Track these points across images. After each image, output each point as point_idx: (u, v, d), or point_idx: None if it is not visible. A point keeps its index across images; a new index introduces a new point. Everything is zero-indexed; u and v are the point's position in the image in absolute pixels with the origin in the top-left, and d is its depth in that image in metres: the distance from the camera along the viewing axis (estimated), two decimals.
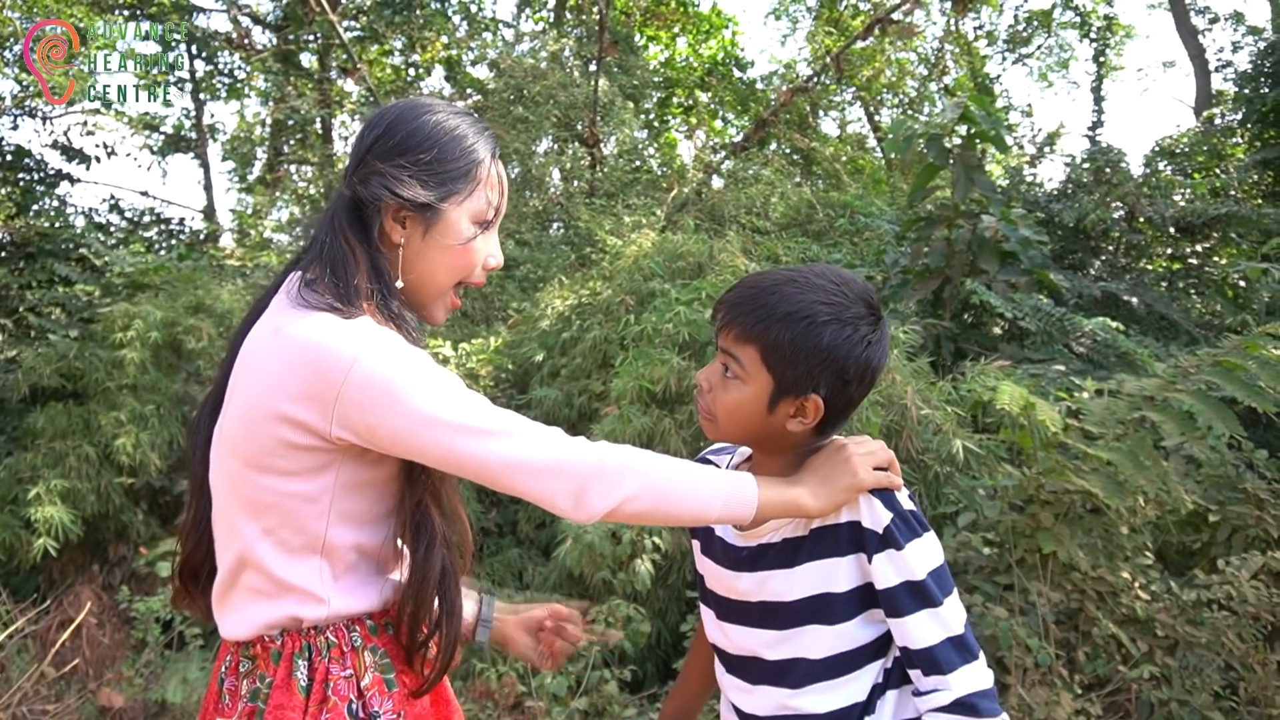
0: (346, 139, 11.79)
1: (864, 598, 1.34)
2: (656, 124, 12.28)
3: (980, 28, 13.57)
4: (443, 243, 1.29)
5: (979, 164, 5.47)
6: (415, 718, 1.31)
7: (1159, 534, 3.44)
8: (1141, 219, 6.50)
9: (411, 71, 12.14)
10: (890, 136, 7.28)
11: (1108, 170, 6.77)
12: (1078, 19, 13.44)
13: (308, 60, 11.69)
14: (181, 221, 10.60)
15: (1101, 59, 12.58)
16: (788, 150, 10.73)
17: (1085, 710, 2.90)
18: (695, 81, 12.55)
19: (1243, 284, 6.05)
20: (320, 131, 11.82)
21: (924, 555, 1.29)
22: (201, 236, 10.59)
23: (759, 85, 12.49)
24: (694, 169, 9.63)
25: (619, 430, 4.62)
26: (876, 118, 12.49)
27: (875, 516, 1.31)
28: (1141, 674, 2.90)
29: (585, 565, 3.68)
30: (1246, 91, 8.74)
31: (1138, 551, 3.22)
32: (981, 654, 1.30)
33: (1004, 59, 13.90)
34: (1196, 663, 2.95)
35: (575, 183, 9.47)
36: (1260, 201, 7.49)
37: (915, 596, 1.28)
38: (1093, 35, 12.98)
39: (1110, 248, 6.72)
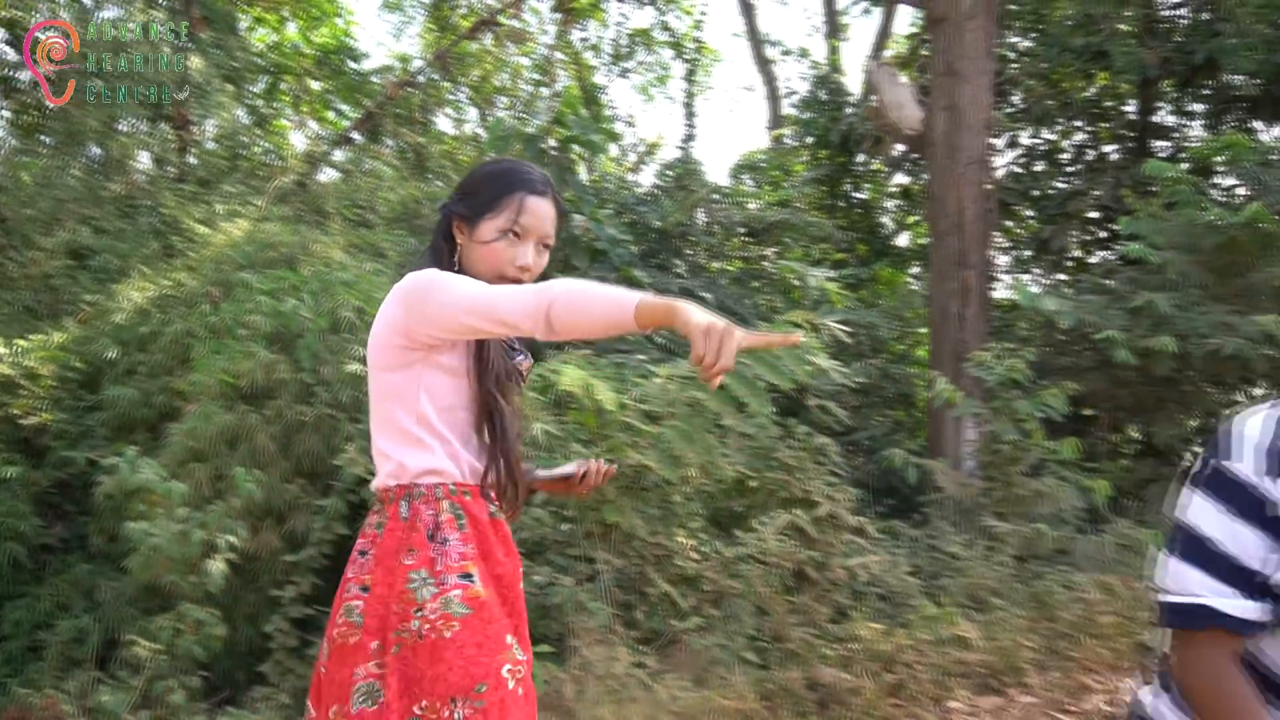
0: None
1: None
2: (265, 110, 11.61)
3: (587, 40, 14.26)
4: (478, 243, 1.86)
5: (571, 165, 5.80)
6: (483, 577, 1.72)
7: (711, 501, 3.86)
8: (716, 224, 7.22)
9: None
10: (490, 136, 7.47)
11: (687, 178, 7.45)
12: (673, 40, 14.56)
13: None
14: None
15: (693, 78, 13.77)
16: (400, 146, 10.62)
17: (642, 663, 3.20)
18: (305, 70, 12.02)
19: (797, 282, 6.92)
20: None
21: None
22: None
23: (374, 79, 12.22)
24: (295, 159, 9.25)
25: (200, 429, 4.36)
26: (490, 119, 12.72)
27: None
28: (689, 625, 3.24)
29: (156, 571, 3.44)
30: (806, 116, 10.00)
31: (690, 517, 3.60)
32: None
33: (609, 71, 14.69)
34: (735, 610, 3.36)
35: (167, 167, 8.72)
36: (814, 212, 8.61)
37: None
38: (685, 56, 14.16)
39: (690, 250, 7.40)
